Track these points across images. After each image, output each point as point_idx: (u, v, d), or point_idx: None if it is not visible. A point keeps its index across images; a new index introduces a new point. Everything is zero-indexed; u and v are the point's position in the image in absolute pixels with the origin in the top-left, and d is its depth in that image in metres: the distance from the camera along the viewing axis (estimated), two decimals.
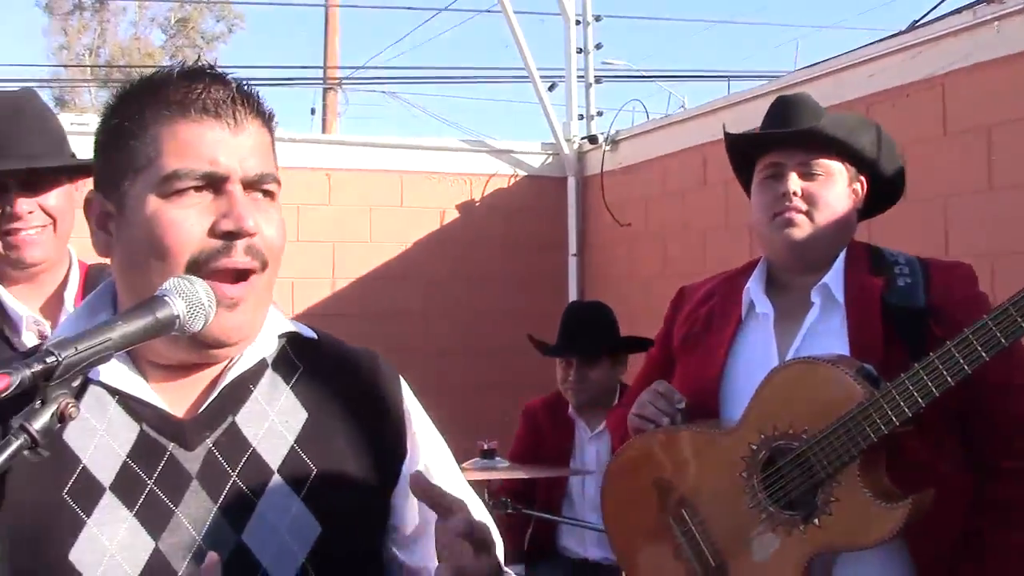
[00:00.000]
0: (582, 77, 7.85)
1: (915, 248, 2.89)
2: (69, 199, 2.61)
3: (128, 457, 1.52)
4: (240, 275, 1.53)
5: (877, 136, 2.88)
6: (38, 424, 1.23)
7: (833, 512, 2.47)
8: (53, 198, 2.56)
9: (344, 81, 20.40)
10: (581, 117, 7.79)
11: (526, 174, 7.66)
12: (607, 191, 7.23)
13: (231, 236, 1.51)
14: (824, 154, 2.75)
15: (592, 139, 7.48)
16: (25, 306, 2.56)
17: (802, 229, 2.74)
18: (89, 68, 31.90)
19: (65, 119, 2.93)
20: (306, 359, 1.69)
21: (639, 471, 2.81)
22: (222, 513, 1.53)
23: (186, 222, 1.51)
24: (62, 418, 1.26)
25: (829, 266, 2.76)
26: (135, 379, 1.57)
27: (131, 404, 1.56)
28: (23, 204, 2.51)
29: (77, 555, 1.47)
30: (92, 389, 1.55)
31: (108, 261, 1.91)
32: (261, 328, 1.63)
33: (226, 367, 1.61)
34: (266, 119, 1.60)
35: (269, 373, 1.65)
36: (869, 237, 2.99)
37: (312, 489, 1.58)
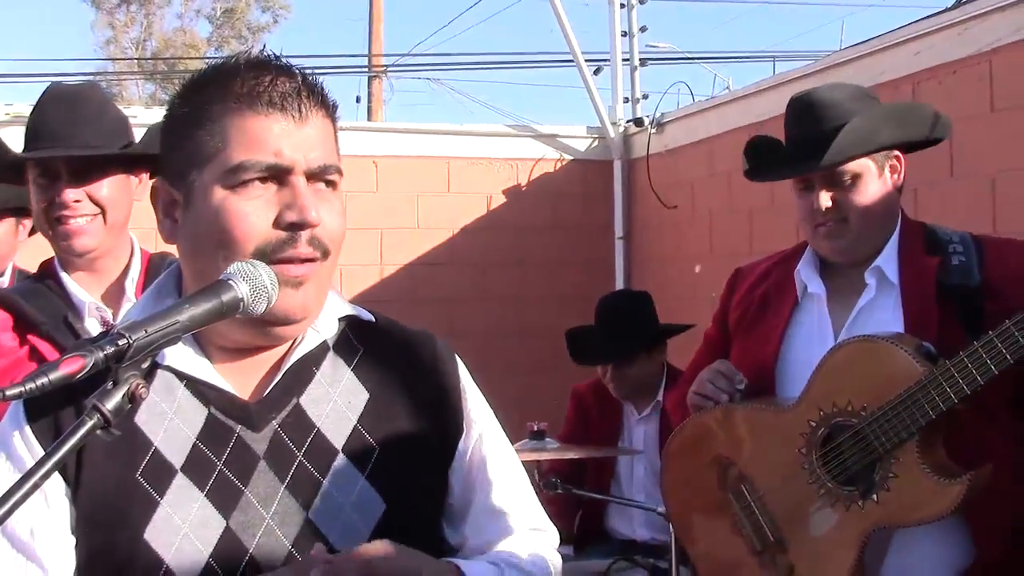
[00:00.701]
0: (627, 60, 7.82)
1: (962, 225, 2.89)
2: (122, 190, 2.66)
3: (198, 440, 1.59)
4: (304, 260, 1.58)
5: (898, 116, 2.89)
6: (110, 404, 1.29)
7: (891, 488, 2.50)
8: (104, 188, 2.61)
9: (389, 69, 20.48)
10: (627, 100, 7.78)
11: (572, 158, 7.68)
12: (653, 174, 7.24)
13: (295, 227, 1.56)
14: (847, 162, 2.75)
15: (638, 122, 7.48)
16: (87, 293, 2.62)
17: (842, 239, 2.78)
18: (136, 61, 32.20)
19: None
20: (366, 341, 1.75)
21: (699, 448, 2.86)
22: (289, 492, 1.59)
23: (252, 214, 1.56)
24: (133, 399, 1.31)
25: (882, 248, 2.77)
26: (202, 363, 1.63)
27: (199, 388, 1.62)
28: (70, 193, 2.56)
29: (152, 534, 1.54)
30: (161, 374, 1.61)
31: (170, 249, 2.00)
32: (321, 311, 1.68)
33: (288, 350, 1.67)
34: (330, 110, 1.65)
35: (331, 356, 1.71)
36: (915, 213, 2.98)
37: (376, 467, 1.64)
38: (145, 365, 1.35)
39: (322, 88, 1.65)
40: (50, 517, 1.56)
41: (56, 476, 1.54)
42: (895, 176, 2.81)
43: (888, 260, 2.76)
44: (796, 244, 3.02)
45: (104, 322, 2.60)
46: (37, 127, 2.62)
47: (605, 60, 8.12)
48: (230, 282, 1.46)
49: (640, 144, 7.46)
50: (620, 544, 4.57)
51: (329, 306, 1.71)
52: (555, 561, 1.84)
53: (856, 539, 2.55)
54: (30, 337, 2.53)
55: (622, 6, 7.78)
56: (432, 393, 1.75)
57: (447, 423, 1.75)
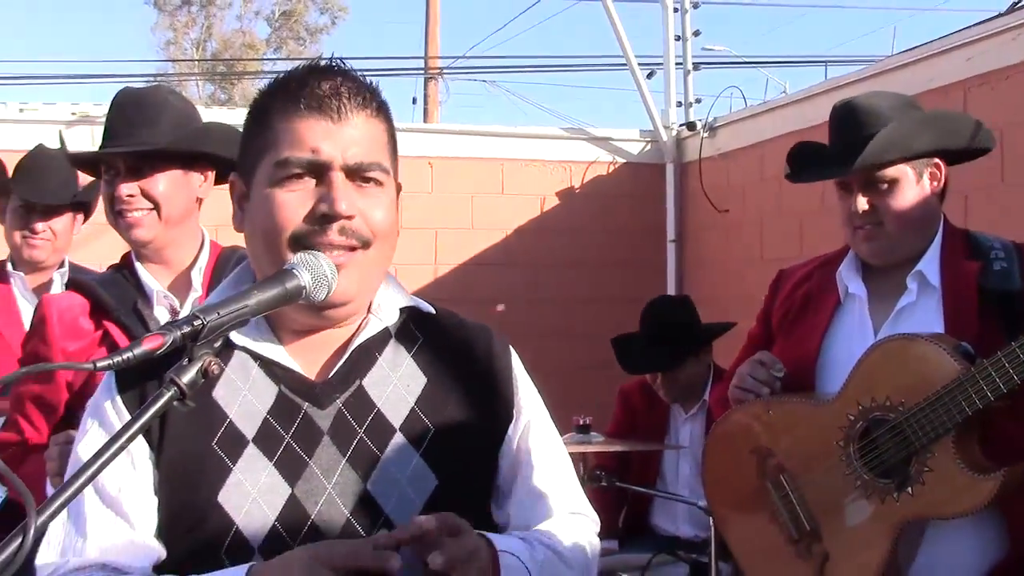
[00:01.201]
0: (680, 64, 7.88)
1: (1013, 230, 2.94)
2: (178, 186, 2.77)
3: (268, 414, 1.73)
4: (349, 247, 1.71)
5: (937, 124, 2.95)
6: (186, 378, 1.44)
7: (926, 482, 2.58)
8: (159, 184, 2.73)
9: (445, 71, 20.64)
10: (679, 104, 7.84)
11: (625, 161, 7.75)
12: (705, 177, 7.30)
13: (326, 219, 1.69)
14: (885, 166, 2.83)
15: (690, 126, 7.54)
16: (157, 282, 2.76)
17: (879, 242, 2.86)
18: (196, 62, 32.65)
19: None
20: (425, 331, 1.87)
21: (739, 439, 2.95)
22: (350, 465, 1.72)
23: (289, 204, 1.70)
24: (206, 374, 1.47)
25: (923, 253, 2.84)
26: (274, 345, 1.78)
27: (271, 367, 1.76)
28: (124, 188, 2.70)
29: (224, 497, 1.68)
30: (237, 354, 1.76)
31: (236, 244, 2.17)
32: (372, 298, 1.82)
33: (352, 335, 1.80)
34: (376, 112, 1.76)
35: (392, 343, 1.83)
36: (965, 219, 3.04)
37: (430, 446, 1.76)
38: (217, 344, 1.49)
39: (369, 90, 1.77)
40: (136, 478, 1.71)
41: (142, 442, 1.69)
42: (934, 183, 2.87)
43: (930, 264, 2.83)
44: (839, 248, 3.10)
45: (172, 309, 2.74)
46: (107, 127, 2.78)
47: (658, 64, 8.18)
48: (294, 271, 1.61)
49: (692, 148, 7.52)
50: (664, 540, 4.64)
51: (391, 297, 1.85)
52: (592, 542, 1.93)
53: (890, 530, 2.63)
54: (104, 322, 2.69)
55: (675, 10, 7.84)
56: (485, 382, 1.87)
57: (498, 410, 1.86)
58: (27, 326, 3.82)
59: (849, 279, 2.94)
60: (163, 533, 1.71)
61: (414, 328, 1.87)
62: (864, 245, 2.88)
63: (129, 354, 1.37)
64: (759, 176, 6.86)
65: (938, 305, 2.79)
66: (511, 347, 1.95)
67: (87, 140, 6.70)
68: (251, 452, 1.70)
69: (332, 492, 1.71)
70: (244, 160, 1.79)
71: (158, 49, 33.94)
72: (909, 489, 2.60)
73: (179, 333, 1.43)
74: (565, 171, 7.62)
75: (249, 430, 1.72)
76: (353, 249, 1.72)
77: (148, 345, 1.39)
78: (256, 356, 1.77)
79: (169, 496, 1.70)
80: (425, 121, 18.39)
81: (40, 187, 3.92)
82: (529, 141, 7.63)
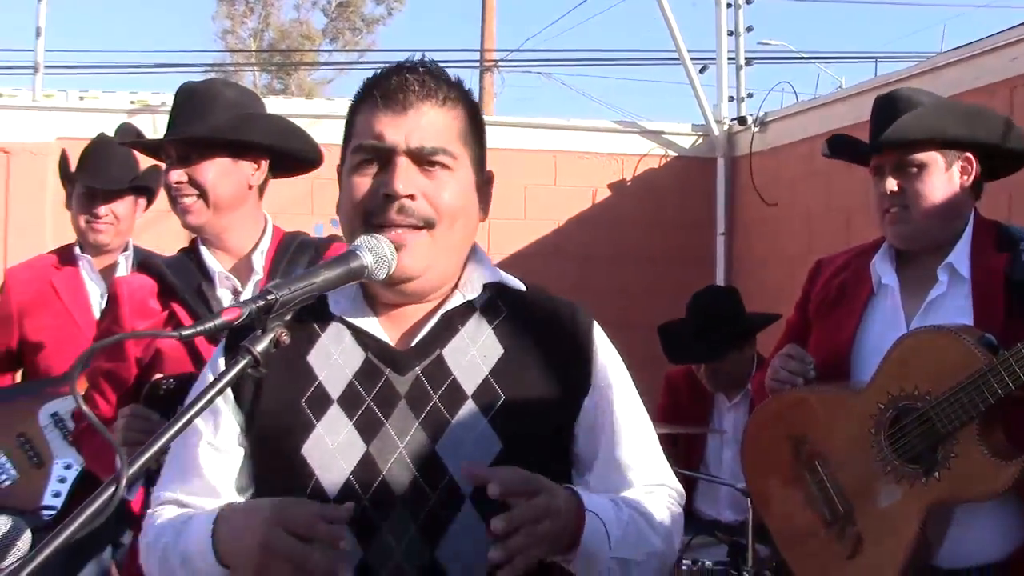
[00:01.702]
0: (732, 59, 7.97)
1: None
2: (226, 174, 2.88)
3: (354, 378, 1.91)
4: (411, 226, 1.87)
5: (972, 117, 3.08)
6: (259, 347, 1.61)
7: (952, 467, 2.71)
8: (207, 172, 2.85)
9: (500, 63, 20.75)
10: (731, 99, 7.93)
11: (676, 155, 7.87)
12: (755, 172, 7.39)
13: (387, 199, 1.86)
14: (914, 149, 2.96)
15: (741, 121, 7.63)
16: (220, 265, 2.92)
17: (904, 225, 2.99)
18: (254, 52, 32.97)
19: None
20: (511, 306, 2.01)
21: (776, 426, 3.10)
22: (422, 428, 1.88)
23: (359, 187, 1.89)
24: (277, 344, 1.64)
25: (953, 244, 2.95)
26: (368, 317, 1.96)
27: (361, 336, 1.94)
28: (174, 175, 2.86)
29: (307, 450, 1.87)
30: (334, 324, 1.96)
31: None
32: (450, 275, 1.97)
33: (436, 308, 1.96)
34: (441, 102, 1.91)
35: (476, 316, 1.98)
36: (1009, 218, 3.14)
37: (498, 413, 1.89)
38: (288, 317, 1.66)
39: (439, 83, 1.92)
40: (219, 433, 1.94)
41: (232, 401, 1.92)
42: (964, 177, 2.99)
43: (960, 256, 2.95)
44: (874, 239, 3.21)
45: (234, 290, 2.91)
46: (169, 118, 2.94)
47: (711, 59, 8.26)
48: (357, 252, 1.78)
49: (743, 142, 7.62)
50: (706, 525, 4.76)
51: (477, 273, 2.00)
52: (675, 511, 2.01)
53: (919, 513, 2.76)
54: (171, 302, 2.87)
55: (728, 5, 7.91)
56: (562, 354, 1.98)
57: (572, 381, 1.97)
58: (94, 306, 4.05)
59: (883, 270, 3.06)
60: (255, 482, 1.93)
61: (500, 303, 2.00)
62: (890, 228, 3.02)
63: (211, 323, 1.55)
64: (808, 171, 6.93)
65: (967, 297, 2.91)
66: (595, 323, 2.06)
67: (148, 128, 6.91)
68: (334, 411, 1.89)
69: (403, 451, 1.86)
70: (342, 152, 1.98)
71: (216, 38, 34.37)
72: (936, 474, 2.73)
73: (254, 306, 1.60)
74: (617, 164, 7.74)
75: (335, 391, 1.90)
76: (417, 229, 1.87)
77: (227, 317, 1.57)
78: (350, 326, 1.95)
79: (260, 448, 1.90)
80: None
81: (100, 173, 4.13)
82: (582, 134, 7.77)
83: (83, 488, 3.85)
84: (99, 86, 15.72)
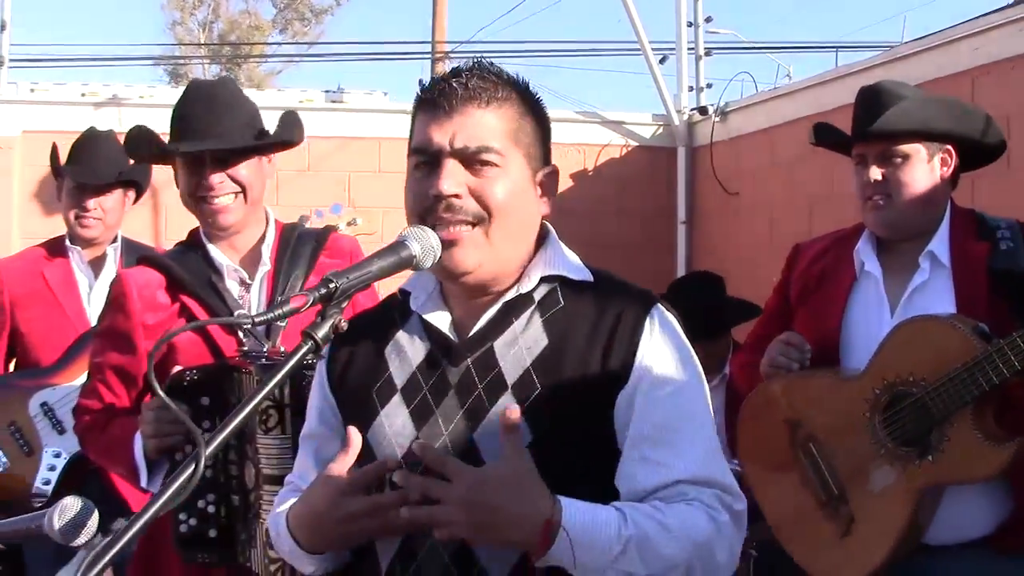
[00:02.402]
0: (692, 49, 8.04)
1: (1019, 217, 3.14)
2: (257, 171, 3.00)
3: (416, 368, 2.02)
4: (463, 223, 1.93)
5: (955, 110, 3.18)
6: (320, 333, 1.70)
7: (945, 450, 2.81)
8: (243, 170, 2.95)
9: (451, 54, 20.74)
10: (691, 89, 8.00)
11: (637, 144, 7.94)
12: (716, 161, 7.48)
13: (436, 199, 1.92)
14: (898, 140, 3.06)
15: (702, 110, 7.71)
16: (227, 258, 2.99)
17: (885, 212, 3.09)
18: (201, 45, 32.74)
19: (180, 92, 3.33)
20: (571, 298, 2.02)
21: (771, 411, 3.19)
22: (464, 417, 1.95)
23: (413, 188, 1.98)
24: (335, 330, 1.72)
25: (933, 232, 3.05)
26: (441, 312, 2.04)
27: (431, 330, 2.04)
28: (215, 177, 2.92)
29: (371, 435, 2.00)
30: (411, 318, 2.07)
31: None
32: (503, 268, 1.99)
33: (495, 300, 2.01)
34: (486, 103, 1.96)
35: (531, 308, 2.01)
36: (972, 205, 3.24)
37: (532, 404, 1.92)
38: (345, 304, 1.73)
39: (485, 84, 1.97)
40: (315, 421, 2.16)
41: (326, 385, 2.12)
42: (944, 168, 3.10)
43: (940, 244, 3.04)
44: (853, 225, 3.30)
45: (242, 283, 2.98)
46: (184, 119, 2.96)
47: (670, 49, 8.33)
48: (405, 242, 1.86)
49: (703, 132, 7.70)
50: None
51: (538, 265, 2.02)
52: (719, 518, 1.90)
53: (912, 494, 2.86)
54: (181, 296, 2.92)
55: None
56: (605, 346, 1.96)
57: (610, 374, 1.95)
58: (84, 297, 4.08)
59: (866, 256, 3.15)
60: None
61: (560, 295, 2.02)
62: (872, 215, 3.10)
63: (279, 311, 1.64)
64: (770, 160, 7.04)
65: (948, 284, 3.02)
66: (660, 313, 2.01)
67: (114, 122, 6.89)
68: (396, 400, 2.01)
69: (446, 439, 1.94)
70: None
71: (165, 30, 34.06)
72: (930, 457, 2.83)
73: (317, 294, 1.69)
74: (579, 154, 7.78)
75: (400, 381, 2.02)
76: (469, 225, 1.93)
77: (294, 304, 1.66)
78: (423, 320, 2.04)
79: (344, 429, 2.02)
80: None
81: (89, 168, 4.19)
82: None
83: (72, 476, 3.89)
84: (50, 78, 15.54)
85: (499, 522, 1.79)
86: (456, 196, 1.91)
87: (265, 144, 3.02)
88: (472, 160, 1.94)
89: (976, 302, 2.93)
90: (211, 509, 2.70)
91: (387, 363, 2.05)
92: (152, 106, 7.86)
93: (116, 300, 2.95)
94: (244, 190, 2.95)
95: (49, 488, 3.88)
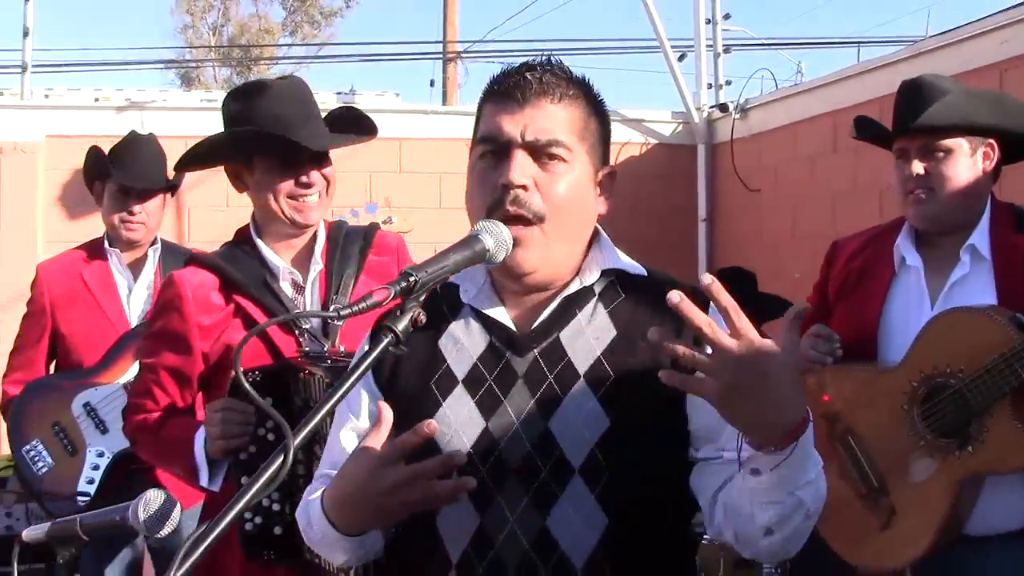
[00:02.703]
0: (711, 47, 8.06)
1: None
2: (334, 172, 3.06)
3: (477, 360, 2.01)
4: (524, 221, 1.94)
5: (998, 104, 3.18)
6: (400, 326, 1.71)
7: (985, 441, 2.83)
8: (329, 169, 3.01)
9: (463, 54, 20.73)
10: (710, 86, 8.02)
11: (657, 142, 7.95)
12: (736, 158, 7.49)
13: (504, 188, 1.94)
14: (941, 135, 3.06)
15: (722, 107, 7.71)
16: (280, 259, 2.99)
17: (928, 206, 3.09)
18: (212, 48, 32.81)
19: (194, 96, 3.34)
20: (629, 290, 2.06)
21: (809, 404, 3.11)
22: (537, 406, 1.96)
23: (481, 177, 1.98)
24: (415, 323, 1.73)
25: (974, 226, 3.05)
26: (494, 305, 2.05)
27: (487, 322, 2.03)
28: (314, 174, 2.95)
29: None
30: (464, 309, 2.06)
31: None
32: (562, 265, 2.01)
33: (555, 294, 2.03)
34: (558, 99, 1.98)
35: (594, 300, 2.04)
36: (1000, 196, 3.24)
37: (607, 392, 1.95)
38: (423, 298, 1.74)
39: (558, 80, 2.00)
40: (360, 417, 2.09)
41: (372, 384, 2.07)
42: (987, 162, 3.10)
43: (981, 238, 3.05)
44: (891, 220, 3.30)
45: (295, 284, 2.98)
46: (275, 118, 2.91)
47: (688, 47, 8.34)
48: (479, 236, 1.86)
49: (723, 129, 7.70)
50: None
51: (597, 260, 2.07)
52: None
53: (952, 486, 2.87)
54: (235, 296, 2.91)
55: None
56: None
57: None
58: (123, 299, 4.12)
59: (906, 251, 3.15)
60: None
61: (619, 288, 2.06)
62: (914, 209, 3.10)
63: (363, 304, 1.65)
64: (792, 156, 7.04)
65: (989, 277, 3.02)
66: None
67: (137, 125, 6.92)
68: (458, 391, 1.99)
69: (519, 428, 1.94)
70: (470, 151, 2.05)
71: (175, 34, 34.12)
72: (969, 447, 2.84)
73: (399, 287, 1.69)
74: None
75: (460, 373, 2.00)
76: (530, 224, 1.93)
77: (377, 297, 1.66)
78: (478, 313, 2.05)
79: (396, 426, 1.94)
80: (444, 103, 18.43)
81: (137, 172, 4.22)
82: None
83: (115, 475, 3.93)
84: (63, 83, 15.60)
85: (771, 397, 1.68)
86: (523, 187, 1.92)
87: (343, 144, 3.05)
88: (541, 153, 1.95)
89: (1017, 295, 2.94)
90: (276, 507, 2.70)
91: (443, 355, 2.03)
92: (174, 109, 7.92)
93: (170, 302, 2.93)
94: (329, 185, 3.01)
95: (93, 487, 3.93)
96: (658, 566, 1.96)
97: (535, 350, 1.99)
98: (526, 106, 1.96)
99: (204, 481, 2.84)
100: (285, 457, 1.50)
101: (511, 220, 1.92)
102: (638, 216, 7.73)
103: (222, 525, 1.44)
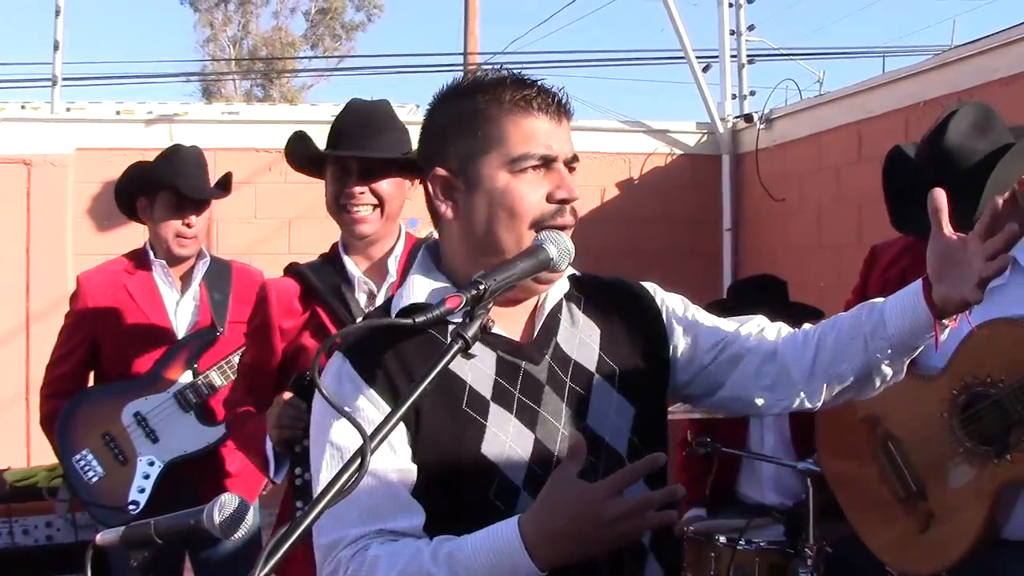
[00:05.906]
0: (735, 57, 8.11)
1: None
2: (398, 188, 3.17)
3: (496, 376, 2.04)
4: (568, 227, 2.05)
5: None
6: (470, 332, 1.78)
7: None
8: (384, 185, 3.13)
9: (483, 66, 20.75)
10: (734, 97, 8.07)
11: (682, 152, 8.01)
12: (761, 168, 7.53)
13: (564, 202, 2.04)
14: None
15: (747, 117, 7.76)
16: (359, 269, 3.17)
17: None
18: (233, 61, 32.95)
19: (215, 109, 3.37)
20: (581, 291, 2.21)
21: (850, 410, 3.24)
22: (569, 408, 2.05)
23: (530, 192, 2.02)
24: (484, 328, 1.81)
25: None
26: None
27: (485, 337, 1.99)
28: (356, 188, 3.10)
29: (486, 449, 1.99)
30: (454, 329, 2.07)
31: (429, 231, 2.51)
32: None
33: (539, 302, 2.13)
34: (570, 115, 2.11)
35: (565, 304, 2.17)
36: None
37: (621, 381, 2.11)
38: (491, 306, 1.81)
39: (565, 98, 2.10)
40: (395, 454, 1.96)
41: (401, 426, 1.92)
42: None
43: (1019, 247, 3.06)
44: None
45: (370, 294, 3.15)
46: (339, 131, 3.17)
47: (712, 58, 8.39)
48: (543, 246, 1.94)
49: (748, 139, 7.75)
50: (750, 507, 4.86)
51: None
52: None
53: (990, 493, 2.92)
54: (314, 304, 3.13)
55: (730, 5, 8.04)
56: (641, 319, 2.21)
57: (657, 338, 2.20)
58: (169, 310, 4.15)
59: None
60: (423, 494, 1.96)
61: (575, 290, 2.20)
62: None
63: (436, 312, 1.74)
64: (817, 166, 7.07)
65: None
66: (645, 283, 2.29)
67: (166, 139, 7.00)
68: (495, 409, 2.01)
69: (563, 432, 2.03)
70: (455, 156, 2.06)
71: (196, 47, 34.25)
72: (1008, 456, 2.88)
73: (470, 295, 1.78)
74: (624, 163, 7.87)
75: (486, 391, 2.02)
76: (572, 227, 2.06)
77: (449, 304, 1.75)
78: None
79: (433, 459, 1.97)
80: None
81: (195, 184, 4.17)
82: (589, 134, 7.85)
83: (166, 484, 4.00)
84: (86, 96, 15.71)
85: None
86: (577, 199, 2.04)
87: (408, 163, 3.09)
88: (568, 167, 2.08)
89: None
90: None
91: (459, 378, 2.00)
92: (200, 122, 7.96)
93: (259, 305, 3.20)
94: (382, 203, 3.13)
95: (144, 496, 3.96)
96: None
97: (547, 356, 2.08)
98: (562, 124, 2.07)
99: (271, 473, 3.00)
100: (363, 460, 1.57)
101: (565, 227, 2.03)
102: (663, 226, 7.81)
103: (304, 524, 1.51)
